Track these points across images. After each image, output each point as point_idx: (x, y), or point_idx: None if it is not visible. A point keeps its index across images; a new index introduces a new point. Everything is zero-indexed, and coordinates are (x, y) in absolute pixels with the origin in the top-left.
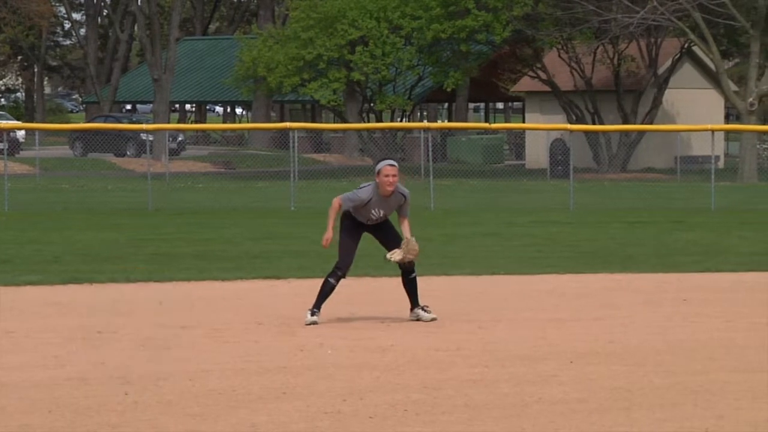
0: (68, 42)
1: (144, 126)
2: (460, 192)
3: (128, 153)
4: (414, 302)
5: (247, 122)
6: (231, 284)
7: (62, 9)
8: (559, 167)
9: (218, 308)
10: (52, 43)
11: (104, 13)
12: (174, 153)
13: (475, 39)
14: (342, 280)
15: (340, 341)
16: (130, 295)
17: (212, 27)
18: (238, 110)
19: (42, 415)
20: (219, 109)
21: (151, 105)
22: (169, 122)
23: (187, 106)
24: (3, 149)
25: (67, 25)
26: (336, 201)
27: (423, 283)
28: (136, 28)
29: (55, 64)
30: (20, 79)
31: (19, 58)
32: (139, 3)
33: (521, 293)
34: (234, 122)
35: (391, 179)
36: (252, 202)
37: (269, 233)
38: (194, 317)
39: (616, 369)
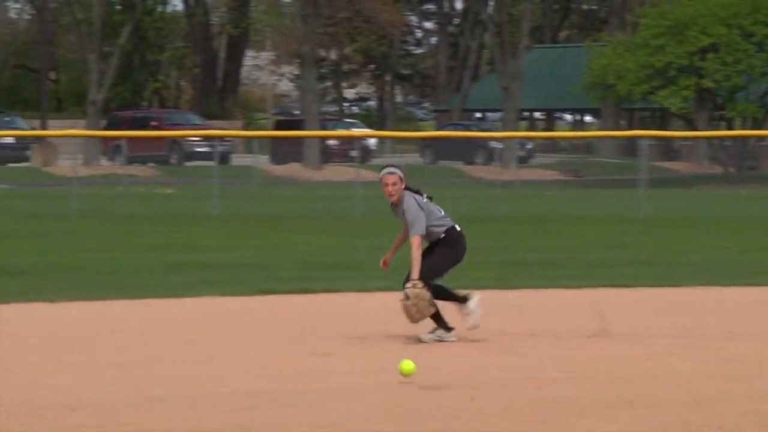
0: (419, 51)
1: (493, 134)
2: None
3: (478, 161)
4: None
5: (596, 130)
6: (577, 292)
7: (413, 18)
8: None
9: (563, 316)
10: (403, 52)
11: (455, 22)
12: (523, 161)
13: None
14: None
15: (688, 350)
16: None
17: (562, 35)
18: (587, 118)
19: (386, 419)
20: (568, 116)
21: (501, 113)
22: (517, 130)
23: (536, 114)
24: (355, 157)
25: (419, 34)
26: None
27: None
28: (486, 36)
29: (406, 72)
30: (372, 88)
31: (371, 67)
32: (489, 11)
33: None
34: (582, 130)
35: (390, 188)
36: (598, 209)
37: (616, 241)
38: (539, 324)
39: None
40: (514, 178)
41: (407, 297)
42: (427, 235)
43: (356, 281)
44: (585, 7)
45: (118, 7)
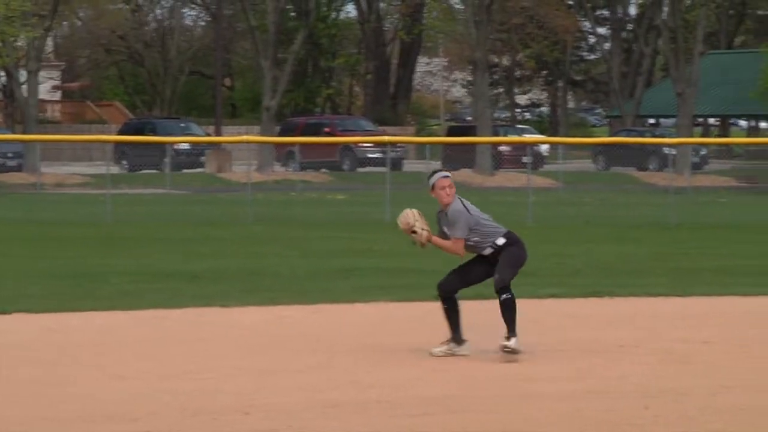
0: (592, 56)
1: (667, 140)
2: None
3: (651, 167)
4: (509, 329)
5: None
6: (754, 300)
7: (587, 24)
8: None
9: (740, 324)
10: (576, 58)
11: (629, 28)
12: (697, 167)
13: None
14: None
15: None
16: (650, 309)
17: (738, 40)
18: (762, 124)
19: (565, 427)
20: (743, 122)
21: (674, 119)
22: (691, 136)
23: (711, 120)
24: (527, 163)
25: (592, 40)
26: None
27: None
28: (660, 42)
29: (579, 78)
30: (545, 94)
31: (544, 72)
32: (663, 17)
33: None
34: (758, 136)
35: (447, 191)
36: None
37: None
38: (716, 332)
39: None
40: (688, 185)
41: (416, 233)
42: (478, 242)
43: (530, 288)
44: (761, 12)
45: (293, 14)
